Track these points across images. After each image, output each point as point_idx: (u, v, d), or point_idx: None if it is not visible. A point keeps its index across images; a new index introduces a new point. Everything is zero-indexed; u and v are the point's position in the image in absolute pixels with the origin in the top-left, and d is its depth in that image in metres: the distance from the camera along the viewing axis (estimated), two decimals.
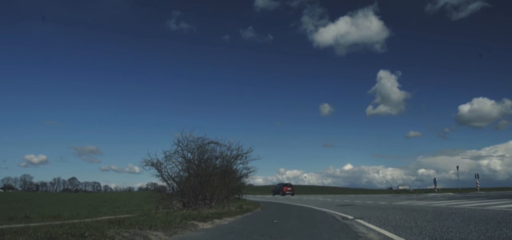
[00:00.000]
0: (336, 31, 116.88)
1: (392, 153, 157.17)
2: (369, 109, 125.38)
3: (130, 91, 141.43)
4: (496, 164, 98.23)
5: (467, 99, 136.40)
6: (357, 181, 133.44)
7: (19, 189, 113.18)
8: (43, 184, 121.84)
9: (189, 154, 15.18)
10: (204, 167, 15.13)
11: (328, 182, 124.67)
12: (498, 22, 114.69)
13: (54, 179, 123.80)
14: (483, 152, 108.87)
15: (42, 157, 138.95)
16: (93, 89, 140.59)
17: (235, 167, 17.43)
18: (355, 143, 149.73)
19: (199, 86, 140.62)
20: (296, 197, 37.42)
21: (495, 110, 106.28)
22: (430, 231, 5.68)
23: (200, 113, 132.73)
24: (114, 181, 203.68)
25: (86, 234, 5.11)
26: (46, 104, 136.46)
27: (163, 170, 14.68)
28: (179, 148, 14.80)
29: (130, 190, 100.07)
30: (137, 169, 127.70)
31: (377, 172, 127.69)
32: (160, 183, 15.56)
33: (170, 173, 14.92)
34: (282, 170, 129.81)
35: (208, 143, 15.50)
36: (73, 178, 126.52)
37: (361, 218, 8.46)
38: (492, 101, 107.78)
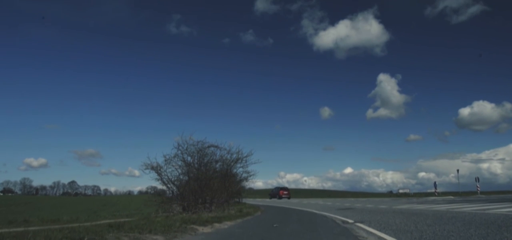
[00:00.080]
0: (336, 35, 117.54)
1: (392, 157, 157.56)
2: (369, 113, 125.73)
3: (130, 95, 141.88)
4: (496, 167, 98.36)
5: (467, 103, 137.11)
6: (357, 184, 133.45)
7: (19, 192, 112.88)
8: (43, 187, 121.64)
9: (189, 158, 15.16)
10: (204, 170, 15.09)
11: (328, 185, 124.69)
12: (497, 25, 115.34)
13: (54, 183, 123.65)
14: (483, 155, 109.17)
15: (42, 160, 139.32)
16: (93, 92, 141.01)
17: (235, 170, 17.37)
18: (355, 146, 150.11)
19: (199, 90, 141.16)
20: (296, 200, 37.33)
21: (495, 113, 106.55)
22: (431, 235, 5.66)
23: (200, 117, 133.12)
24: (114, 185, 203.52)
25: (86, 239, 5.10)
26: (46, 107, 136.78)
27: (163, 174, 14.65)
28: (179, 151, 14.77)
29: (130, 194, 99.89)
30: (137, 172, 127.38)
31: (377, 175, 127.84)
32: (160, 186, 15.52)
33: (170, 177, 14.89)
34: (282, 173, 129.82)
35: (208, 146, 15.48)
36: (73, 182, 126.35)
37: (361, 222, 8.44)
38: (492, 104, 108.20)
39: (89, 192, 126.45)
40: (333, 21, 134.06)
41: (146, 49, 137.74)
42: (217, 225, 9.09)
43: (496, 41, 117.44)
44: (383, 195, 65.22)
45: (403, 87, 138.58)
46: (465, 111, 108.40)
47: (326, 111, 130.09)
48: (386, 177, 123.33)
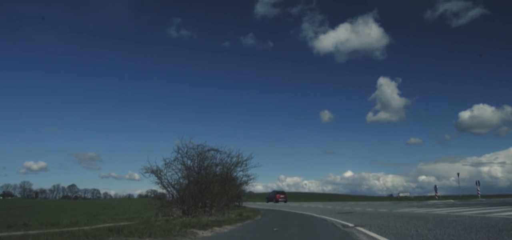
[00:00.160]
0: (336, 38, 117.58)
1: (393, 160, 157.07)
2: (369, 116, 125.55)
3: (131, 98, 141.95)
4: (497, 171, 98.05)
5: (468, 106, 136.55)
6: (357, 188, 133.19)
7: (18, 196, 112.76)
8: (43, 191, 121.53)
9: (189, 161, 15.16)
10: (204, 174, 15.09)
11: (328, 189, 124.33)
12: (497, 28, 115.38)
13: (54, 186, 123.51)
14: (483, 159, 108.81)
15: (42, 164, 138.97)
16: (94, 95, 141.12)
17: (235, 174, 17.39)
18: (355, 150, 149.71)
19: (199, 93, 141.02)
20: (296, 204, 37.28)
21: (495, 117, 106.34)
22: (432, 239, 5.65)
23: (200, 120, 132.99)
24: (114, 188, 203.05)
25: None
26: (46, 110, 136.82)
27: (163, 177, 14.65)
28: (179, 155, 14.79)
29: (129, 197, 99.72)
30: (137, 176, 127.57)
31: (378, 179, 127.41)
32: (160, 190, 15.52)
33: (170, 180, 14.89)
34: (282, 177, 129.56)
35: (208, 150, 15.49)
36: (73, 185, 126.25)
37: (362, 226, 8.42)
38: (493, 108, 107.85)
39: (89, 195, 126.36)
40: (333, 25, 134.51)
41: (146, 53, 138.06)
42: (217, 229, 9.07)
43: (496, 44, 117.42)
44: (384, 198, 65.06)
45: (403, 91, 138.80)
46: (465, 115, 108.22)
47: (326, 115, 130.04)
48: (386, 181, 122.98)
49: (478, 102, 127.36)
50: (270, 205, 33.88)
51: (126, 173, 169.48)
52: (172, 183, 14.94)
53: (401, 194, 55.01)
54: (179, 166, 14.96)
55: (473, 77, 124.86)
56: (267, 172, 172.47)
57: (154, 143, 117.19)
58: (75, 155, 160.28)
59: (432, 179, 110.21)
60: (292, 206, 28.65)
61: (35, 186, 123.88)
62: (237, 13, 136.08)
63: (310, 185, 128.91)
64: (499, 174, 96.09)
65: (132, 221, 14.03)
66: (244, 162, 16.42)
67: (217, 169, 16.18)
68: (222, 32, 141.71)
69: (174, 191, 15.09)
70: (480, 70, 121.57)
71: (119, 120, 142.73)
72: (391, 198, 60.37)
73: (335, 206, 24.41)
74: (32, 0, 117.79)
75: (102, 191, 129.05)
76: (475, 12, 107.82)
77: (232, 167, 16.50)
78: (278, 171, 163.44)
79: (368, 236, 6.63)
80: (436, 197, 38.84)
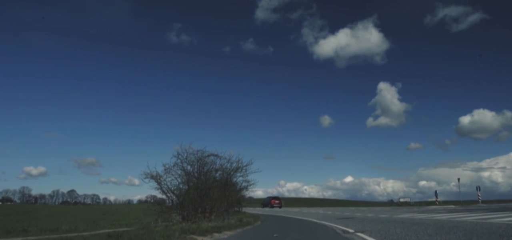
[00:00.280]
0: (336, 43, 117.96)
1: (393, 165, 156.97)
2: (370, 121, 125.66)
3: (131, 103, 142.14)
4: (497, 176, 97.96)
5: (468, 111, 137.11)
6: (357, 193, 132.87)
7: (18, 201, 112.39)
8: (42, 196, 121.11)
9: (188, 167, 15.13)
10: (203, 179, 15.05)
11: (328, 194, 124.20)
12: (497, 33, 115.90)
13: (53, 192, 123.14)
14: (484, 164, 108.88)
15: (42, 169, 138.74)
16: (93, 100, 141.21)
17: (235, 179, 17.33)
18: (355, 155, 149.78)
19: (199, 98, 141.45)
20: (296, 209, 37.16)
21: (495, 122, 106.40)
22: None
23: (200, 125, 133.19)
24: (114, 194, 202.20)
25: None
26: (46, 115, 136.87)
27: (162, 183, 14.61)
28: (179, 160, 14.75)
29: (129, 203, 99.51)
30: (136, 181, 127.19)
31: (378, 184, 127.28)
32: (159, 195, 15.46)
33: (170, 186, 14.85)
34: (282, 182, 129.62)
35: (208, 155, 15.46)
36: (72, 191, 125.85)
37: (362, 232, 8.38)
38: (493, 113, 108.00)
39: (88, 201, 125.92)
40: (333, 30, 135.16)
41: (146, 58, 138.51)
42: (216, 235, 9.03)
43: (496, 49, 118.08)
44: (384, 204, 64.91)
45: (403, 96, 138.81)
46: (465, 120, 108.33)
47: (326, 120, 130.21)
48: (386, 186, 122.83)
49: (478, 107, 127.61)
50: (269, 211, 33.82)
51: (125, 178, 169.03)
52: (172, 188, 14.91)
53: (401, 200, 54.90)
54: (179, 172, 14.94)
55: (473, 82, 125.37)
56: (267, 178, 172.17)
57: (154, 149, 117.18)
58: (74, 160, 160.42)
59: (432, 184, 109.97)
60: (292, 212, 28.55)
61: (35, 192, 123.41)
62: (237, 18, 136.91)
63: (310, 191, 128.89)
64: (500, 179, 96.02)
65: (131, 227, 13.96)
66: (244, 168, 16.38)
67: (217, 174, 16.14)
68: (222, 37, 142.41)
69: (174, 197, 15.04)
70: (480, 75, 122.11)
71: (119, 125, 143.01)
72: (391, 203, 60.22)
73: (335, 212, 24.33)
74: (32, 5, 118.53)
75: (101, 197, 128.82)
76: (474, 17, 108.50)
77: (232, 173, 16.46)
78: (278, 177, 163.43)
79: None
80: (437, 203, 38.71)
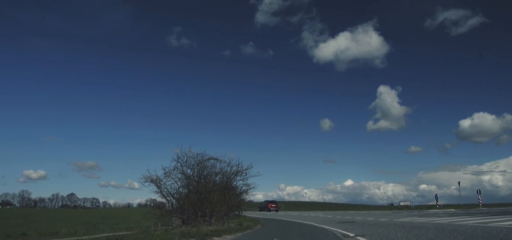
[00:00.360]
0: (336, 47, 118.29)
1: (393, 169, 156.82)
2: (370, 125, 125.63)
3: (130, 107, 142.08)
4: (497, 179, 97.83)
5: (468, 114, 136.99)
6: (358, 197, 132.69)
7: (17, 205, 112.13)
8: (42, 200, 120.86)
9: (188, 170, 15.11)
10: (203, 183, 15.02)
11: (328, 198, 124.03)
12: (497, 37, 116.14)
13: (53, 195, 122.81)
14: (484, 167, 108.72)
15: (41, 172, 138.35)
16: (93, 104, 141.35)
17: (235, 183, 17.31)
18: (355, 158, 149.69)
19: (199, 101, 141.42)
20: (296, 213, 37.08)
21: (495, 125, 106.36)
22: None
23: (200, 129, 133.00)
24: (113, 197, 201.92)
25: None
26: (46, 119, 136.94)
27: (162, 187, 14.58)
28: (179, 164, 14.74)
29: (129, 206, 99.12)
30: (136, 185, 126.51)
31: (378, 188, 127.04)
32: (159, 199, 15.44)
33: (170, 190, 14.82)
34: (282, 186, 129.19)
35: (208, 159, 15.44)
36: (72, 194, 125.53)
37: (362, 236, 8.36)
38: (493, 116, 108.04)
39: (88, 204, 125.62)
40: (333, 33, 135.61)
41: (146, 61, 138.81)
42: (216, 239, 9.02)
43: (495, 52, 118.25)
44: (384, 207, 64.75)
45: (403, 99, 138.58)
46: (465, 123, 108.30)
47: (326, 123, 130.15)
48: (387, 190, 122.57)
49: (478, 111, 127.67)
50: (269, 215, 33.83)
51: (125, 182, 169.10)
52: (172, 192, 14.88)
53: (401, 203, 54.74)
54: (179, 175, 14.92)
55: (473, 85, 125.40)
56: (267, 181, 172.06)
57: (154, 152, 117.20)
58: (74, 164, 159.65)
59: (433, 188, 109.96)
60: (292, 215, 28.49)
61: (34, 195, 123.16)
62: (237, 22, 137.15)
63: (310, 194, 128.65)
64: (500, 183, 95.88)
65: (131, 230, 13.92)
66: (244, 171, 16.37)
67: (217, 178, 16.12)
68: (222, 40, 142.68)
69: (174, 200, 15.01)
70: (480, 78, 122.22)
71: (118, 129, 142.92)
72: (391, 207, 60.05)
73: (336, 216, 24.27)
74: (32, 8, 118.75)
75: (101, 200, 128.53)
76: (474, 21, 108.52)
77: (232, 176, 16.44)
78: (278, 180, 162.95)
79: None
80: (437, 206, 38.63)
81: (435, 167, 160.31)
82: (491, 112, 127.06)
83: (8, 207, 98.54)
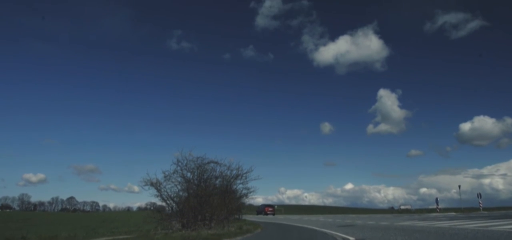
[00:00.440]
0: (336, 50, 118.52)
1: (393, 172, 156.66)
2: (370, 128, 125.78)
3: (130, 110, 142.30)
4: (498, 183, 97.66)
5: (468, 118, 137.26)
6: (358, 200, 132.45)
7: (17, 208, 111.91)
8: (41, 203, 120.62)
9: (188, 174, 15.08)
10: (203, 187, 14.99)
11: (329, 201, 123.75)
12: (497, 40, 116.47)
13: (52, 199, 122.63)
14: (485, 171, 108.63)
15: (41, 176, 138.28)
16: (93, 107, 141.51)
17: (235, 187, 17.28)
18: (356, 162, 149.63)
19: (200, 105, 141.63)
20: (296, 217, 36.99)
21: (496, 128, 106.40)
22: None
23: (200, 132, 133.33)
24: (113, 201, 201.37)
25: None
26: (45, 122, 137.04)
27: (162, 190, 14.56)
28: (179, 167, 14.72)
29: (129, 210, 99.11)
30: (136, 188, 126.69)
31: (379, 191, 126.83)
32: (159, 203, 15.41)
33: (169, 193, 14.79)
34: (282, 189, 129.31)
35: (208, 162, 15.42)
36: (72, 198, 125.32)
37: None
38: (493, 119, 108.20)
39: (87, 208, 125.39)
40: (333, 37, 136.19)
41: (146, 64, 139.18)
42: None
43: (495, 55, 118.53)
44: (385, 211, 64.58)
45: (403, 102, 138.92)
46: (465, 126, 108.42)
47: (326, 127, 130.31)
48: (387, 193, 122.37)
49: (478, 114, 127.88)
50: (269, 219, 33.78)
51: (125, 185, 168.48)
52: (172, 196, 14.85)
53: (402, 207, 54.58)
54: (179, 179, 14.90)
55: (473, 89, 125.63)
56: (267, 185, 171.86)
57: (154, 156, 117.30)
58: (74, 167, 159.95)
59: (433, 191, 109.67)
60: (293, 219, 28.42)
61: (34, 199, 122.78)
62: (237, 25, 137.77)
63: (310, 198, 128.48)
64: (501, 186, 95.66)
65: (131, 234, 13.89)
66: (244, 175, 16.33)
67: (217, 181, 16.09)
68: (222, 44, 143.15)
69: (174, 204, 14.98)
70: (480, 82, 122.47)
71: (118, 132, 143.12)
72: (392, 210, 59.91)
73: (336, 219, 24.21)
74: (32, 12, 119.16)
75: (101, 204, 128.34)
76: (474, 24, 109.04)
77: (232, 180, 16.41)
78: (278, 184, 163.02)
79: None
80: (438, 210, 38.52)
81: (435, 170, 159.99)
82: (491, 115, 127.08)
83: (8, 210, 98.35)
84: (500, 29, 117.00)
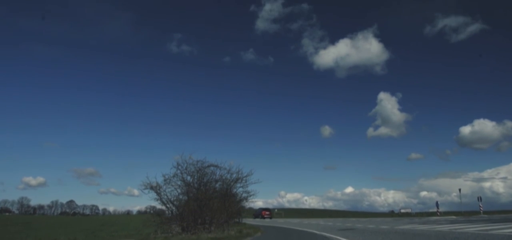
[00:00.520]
0: (336, 53, 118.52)
1: (394, 176, 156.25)
2: (370, 131, 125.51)
3: (130, 113, 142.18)
4: (498, 186, 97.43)
5: (468, 121, 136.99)
6: (358, 204, 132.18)
7: (16, 212, 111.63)
8: (41, 207, 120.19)
9: (188, 177, 15.07)
10: (203, 190, 14.98)
11: (329, 205, 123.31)
12: (497, 43, 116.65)
13: (52, 202, 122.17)
14: (485, 174, 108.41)
15: (41, 179, 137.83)
16: (93, 110, 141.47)
17: (235, 190, 17.25)
18: (356, 165, 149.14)
19: (200, 108, 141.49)
20: (296, 220, 36.93)
21: (496, 132, 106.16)
22: None
23: (200, 136, 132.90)
24: (113, 204, 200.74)
25: None
26: (45, 125, 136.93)
27: (162, 194, 14.53)
28: (179, 171, 14.70)
29: (128, 214, 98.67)
30: (136, 192, 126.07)
31: (379, 195, 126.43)
32: (159, 206, 15.38)
33: (169, 197, 14.76)
34: (282, 193, 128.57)
35: (208, 166, 15.41)
36: (71, 201, 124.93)
37: None
38: (493, 123, 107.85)
39: (87, 211, 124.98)
40: (333, 40, 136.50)
41: (146, 68, 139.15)
42: None
43: (495, 59, 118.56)
44: (385, 214, 64.49)
45: (403, 106, 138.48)
46: (466, 130, 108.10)
47: (326, 130, 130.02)
48: (387, 197, 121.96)
49: (478, 117, 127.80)
50: (269, 222, 33.73)
51: (125, 189, 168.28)
52: (172, 199, 14.82)
53: (402, 210, 54.54)
54: (179, 182, 14.87)
55: (473, 92, 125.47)
56: (267, 188, 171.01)
57: (154, 159, 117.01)
58: (74, 170, 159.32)
59: (433, 194, 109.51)
60: (293, 223, 28.37)
61: (34, 202, 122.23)
62: (237, 28, 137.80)
63: (310, 201, 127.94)
64: (501, 190, 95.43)
65: (131, 238, 13.86)
66: (244, 178, 16.31)
67: (217, 185, 16.07)
68: (222, 47, 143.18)
69: (173, 208, 14.96)
70: (480, 85, 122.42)
71: (118, 136, 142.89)
72: (392, 214, 59.84)
73: (336, 223, 24.16)
74: (33, 15, 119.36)
75: (100, 207, 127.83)
76: (474, 28, 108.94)
77: (232, 183, 16.39)
78: (278, 187, 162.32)
79: None
80: (438, 213, 38.46)
81: (435, 174, 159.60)
82: (491, 118, 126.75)
83: (7, 214, 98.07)
84: (500, 32, 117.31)
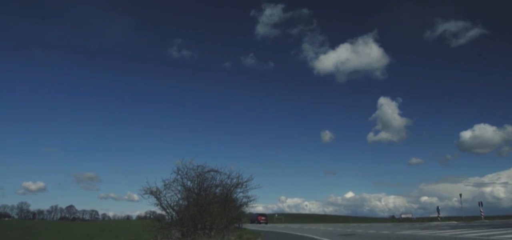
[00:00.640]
0: (337, 58, 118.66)
1: (394, 181, 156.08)
2: (370, 136, 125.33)
3: (130, 118, 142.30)
4: (499, 191, 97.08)
5: (469, 126, 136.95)
6: (359, 209, 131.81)
7: (16, 217, 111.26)
8: (40, 212, 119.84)
9: (188, 182, 15.03)
10: (203, 195, 14.93)
11: (329, 210, 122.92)
12: (497, 48, 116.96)
13: (52, 207, 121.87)
14: (486, 179, 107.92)
15: (40, 184, 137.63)
16: (93, 116, 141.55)
17: (235, 195, 17.21)
18: (356, 170, 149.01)
19: (200, 113, 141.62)
20: (296, 226, 36.79)
21: (497, 136, 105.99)
22: None
23: (200, 141, 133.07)
24: (113, 209, 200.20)
25: None
26: (45, 131, 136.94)
27: (162, 199, 14.48)
28: (179, 176, 14.66)
29: (128, 219, 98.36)
30: (136, 197, 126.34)
31: (379, 200, 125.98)
32: (159, 211, 15.33)
33: (169, 202, 14.71)
34: (283, 198, 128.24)
35: (208, 171, 15.37)
36: (71, 206, 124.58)
37: None
38: (494, 127, 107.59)
39: (87, 216, 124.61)
40: (333, 45, 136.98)
41: (147, 73, 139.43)
42: None
43: (495, 64, 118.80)
44: (385, 220, 64.24)
45: (404, 111, 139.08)
46: (466, 134, 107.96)
47: (327, 135, 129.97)
48: (388, 202, 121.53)
49: (479, 122, 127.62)
50: (269, 227, 33.68)
51: (125, 194, 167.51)
52: (171, 204, 14.78)
53: (403, 216, 54.31)
54: (179, 187, 14.83)
55: (473, 97, 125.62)
56: (267, 193, 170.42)
57: (154, 164, 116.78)
58: (73, 175, 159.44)
59: (434, 199, 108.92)
60: (293, 228, 28.26)
61: (33, 207, 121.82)
62: (238, 33, 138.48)
63: (311, 206, 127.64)
64: (502, 195, 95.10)
65: None
66: (244, 183, 16.25)
67: (217, 190, 16.02)
68: (223, 52, 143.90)
69: (173, 213, 14.90)
70: (481, 90, 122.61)
71: (118, 141, 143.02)
72: (393, 219, 59.61)
73: (336, 228, 24.06)
74: (33, 21, 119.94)
75: (100, 212, 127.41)
76: (474, 32, 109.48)
77: (232, 188, 16.34)
78: (278, 192, 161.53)
79: None
80: (439, 219, 38.31)
81: (436, 178, 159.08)
82: (492, 123, 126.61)
83: (7, 219, 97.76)
84: (500, 37, 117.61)
